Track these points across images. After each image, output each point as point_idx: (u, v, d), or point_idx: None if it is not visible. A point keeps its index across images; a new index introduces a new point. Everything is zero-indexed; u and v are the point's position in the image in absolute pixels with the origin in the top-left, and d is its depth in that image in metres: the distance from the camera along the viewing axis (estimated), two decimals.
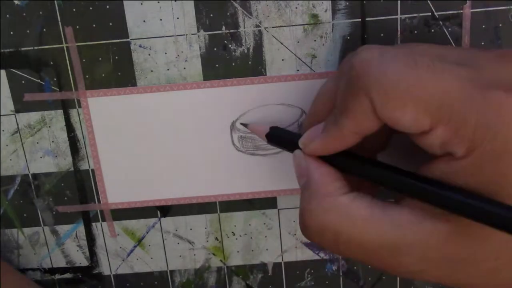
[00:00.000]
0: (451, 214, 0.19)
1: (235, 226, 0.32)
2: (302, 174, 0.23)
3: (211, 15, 0.28)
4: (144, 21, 0.28)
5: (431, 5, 0.27)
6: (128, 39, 0.28)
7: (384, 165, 0.21)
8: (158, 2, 0.28)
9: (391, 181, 0.20)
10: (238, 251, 0.33)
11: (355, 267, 0.33)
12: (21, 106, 0.30)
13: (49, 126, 0.30)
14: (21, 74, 0.29)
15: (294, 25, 0.28)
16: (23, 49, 0.29)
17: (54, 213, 0.32)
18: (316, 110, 0.24)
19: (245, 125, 0.29)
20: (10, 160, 0.31)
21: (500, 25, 0.28)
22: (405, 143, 0.23)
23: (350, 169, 0.22)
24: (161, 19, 0.28)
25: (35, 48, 0.29)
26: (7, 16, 0.28)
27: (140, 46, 0.28)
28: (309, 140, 0.23)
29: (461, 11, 0.27)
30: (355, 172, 0.22)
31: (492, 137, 0.17)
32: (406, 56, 0.19)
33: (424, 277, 0.20)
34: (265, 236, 0.32)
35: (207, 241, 0.32)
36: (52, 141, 0.31)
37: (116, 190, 0.31)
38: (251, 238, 0.32)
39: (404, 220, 0.20)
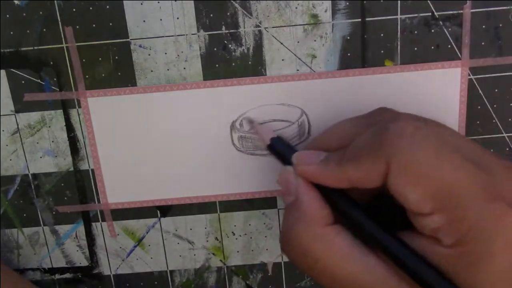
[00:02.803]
0: None
1: (235, 226, 0.32)
2: (290, 191, 0.24)
3: (211, 15, 0.28)
4: (144, 21, 0.28)
5: (431, 5, 0.27)
6: (128, 39, 0.28)
7: (368, 214, 0.22)
8: (158, 2, 0.28)
9: (371, 234, 0.21)
10: (238, 251, 0.33)
11: None
12: (21, 106, 0.30)
13: (49, 126, 0.30)
14: (21, 74, 0.29)
15: (294, 25, 0.28)
16: (23, 49, 0.29)
17: (54, 213, 0.32)
18: (325, 140, 0.25)
19: (251, 121, 0.29)
20: (10, 160, 0.31)
21: (500, 25, 0.28)
22: (389, 202, 0.23)
23: (337, 207, 0.23)
24: (161, 19, 0.28)
25: (35, 48, 0.29)
26: (7, 16, 0.28)
27: (140, 46, 0.28)
28: (305, 162, 0.23)
29: (461, 11, 0.27)
30: (340, 212, 0.23)
31: (483, 239, 0.18)
32: (435, 142, 0.20)
33: None
34: (265, 236, 0.32)
35: (207, 241, 0.32)
36: (52, 141, 0.31)
37: (116, 190, 0.31)
38: (251, 238, 0.32)
39: (377, 270, 0.21)
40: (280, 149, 0.26)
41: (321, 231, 0.22)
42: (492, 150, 0.30)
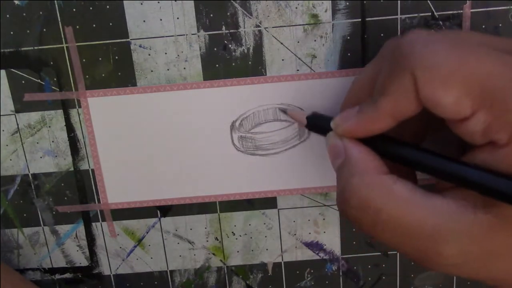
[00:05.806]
0: (493, 206, 0.19)
1: (235, 226, 0.32)
2: (338, 154, 0.22)
3: (211, 15, 0.28)
4: (144, 21, 0.28)
5: (431, 5, 0.27)
6: (128, 39, 0.28)
7: (426, 150, 0.21)
8: (158, 2, 0.28)
9: (434, 166, 0.20)
10: (238, 251, 0.33)
11: (355, 267, 0.33)
12: (21, 106, 0.30)
13: (49, 126, 0.30)
14: (21, 74, 0.29)
15: (294, 25, 0.28)
16: (23, 49, 0.29)
17: (54, 213, 0.32)
18: (354, 95, 0.24)
19: (284, 110, 0.29)
20: (10, 160, 0.31)
21: (500, 25, 0.28)
22: (443, 137, 0.22)
23: (391, 152, 0.21)
24: (161, 19, 0.28)
25: (35, 48, 0.29)
26: (7, 16, 0.28)
27: (140, 46, 0.28)
28: (343, 121, 0.22)
29: (461, 11, 0.27)
30: (396, 156, 0.21)
31: None
32: (453, 39, 0.19)
33: (461, 271, 0.20)
34: (265, 236, 0.32)
35: (207, 241, 0.33)
36: (52, 141, 0.31)
37: (116, 190, 0.31)
38: (251, 238, 0.32)
39: (446, 209, 0.19)
40: (318, 123, 0.26)
41: (377, 180, 0.20)
42: None
